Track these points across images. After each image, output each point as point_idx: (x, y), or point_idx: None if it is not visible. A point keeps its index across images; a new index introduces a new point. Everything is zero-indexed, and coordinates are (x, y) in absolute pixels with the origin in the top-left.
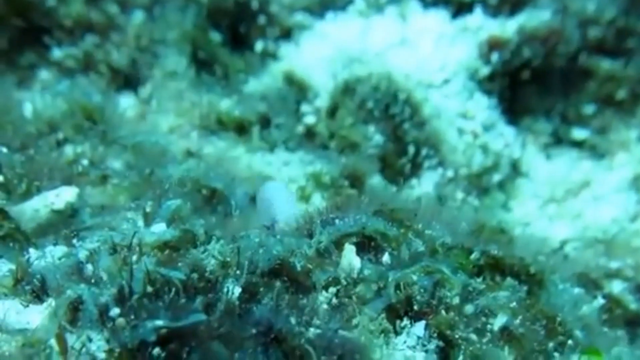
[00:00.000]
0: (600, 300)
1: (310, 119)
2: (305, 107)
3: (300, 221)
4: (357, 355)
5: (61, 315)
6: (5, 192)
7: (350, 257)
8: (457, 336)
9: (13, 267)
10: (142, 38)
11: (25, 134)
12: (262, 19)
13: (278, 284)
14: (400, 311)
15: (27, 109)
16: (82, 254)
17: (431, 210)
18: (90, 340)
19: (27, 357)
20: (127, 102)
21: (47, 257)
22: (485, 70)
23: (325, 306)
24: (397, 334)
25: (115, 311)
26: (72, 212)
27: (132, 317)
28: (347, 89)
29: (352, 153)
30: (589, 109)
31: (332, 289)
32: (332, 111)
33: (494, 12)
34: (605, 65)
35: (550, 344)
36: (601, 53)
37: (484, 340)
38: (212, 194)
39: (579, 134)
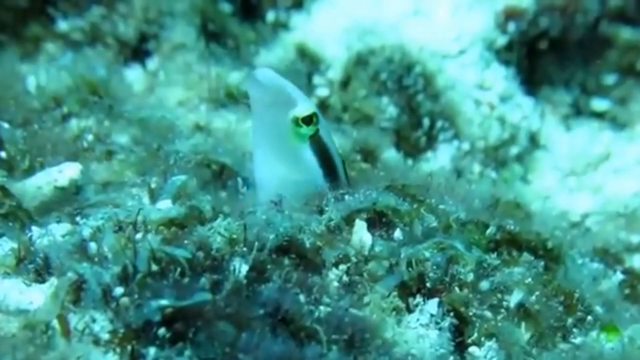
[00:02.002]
0: (620, 276)
1: (322, 91)
2: (317, 79)
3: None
4: (368, 334)
5: (63, 295)
6: (8, 168)
7: (361, 234)
8: (471, 313)
9: (15, 245)
10: (150, 9)
11: (29, 108)
12: None
13: (286, 261)
14: (412, 289)
15: (31, 83)
16: (86, 232)
17: (445, 185)
18: (93, 320)
19: (28, 339)
20: (134, 75)
21: (50, 235)
22: (502, 41)
23: (335, 284)
24: (409, 312)
25: (119, 290)
26: (76, 189)
27: (137, 296)
28: (360, 61)
29: (365, 126)
30: (609, 79)
31: (343, 267)
32: (345, 83)
33: None
34: (626, 34)
35: (569, 320)
36: (621, 21)
37: (499, 317)
38: (222, 170)
39: (599, 104)
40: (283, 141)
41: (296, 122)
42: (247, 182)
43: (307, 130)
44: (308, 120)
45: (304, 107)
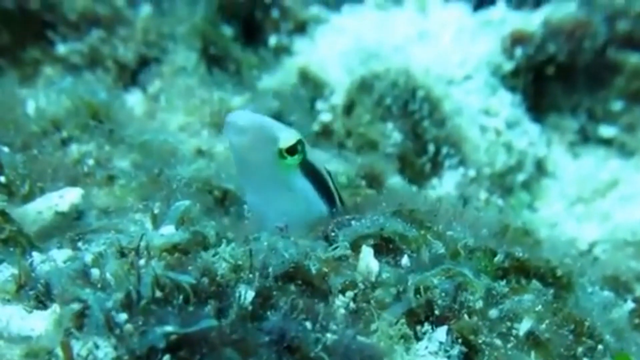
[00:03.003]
0: (631, 304)
1: (325, 117)
2: (320, 104)
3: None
4: None
5: (66, 322)
6: (8, 193)
7: (367, 260)
8: (480, 341)
9: (16, 271)
10: (150, 32)
11: (29, 133)
12: (275, 12)
13: (292, 288)
14: (420, 316)
15: (31, 107)
16: (88, 258)
17: (453, 211)
18: (97, 347)
19: None
20: (134, 99)
21: (51, 261)
22: (508, 66)
23: (342, 311)
24: (418, 339)
25: (122, 317)
26: (77, 214)
27: (140, 322)
28: (364, 85)
29: (369, 152)
30: (616, 106)
31: (349, 293)
32: (349, 108)
33: (518, 4)
34: (634, 59)
35: (579, 349)
36: (630, 47)
37: (509, 345)
38: (224, 195)
39: (606, 131)
40: (274, 176)
41: (281, 154)
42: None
43: (293, 160)
44: (293, 149)
45: (287, 137)
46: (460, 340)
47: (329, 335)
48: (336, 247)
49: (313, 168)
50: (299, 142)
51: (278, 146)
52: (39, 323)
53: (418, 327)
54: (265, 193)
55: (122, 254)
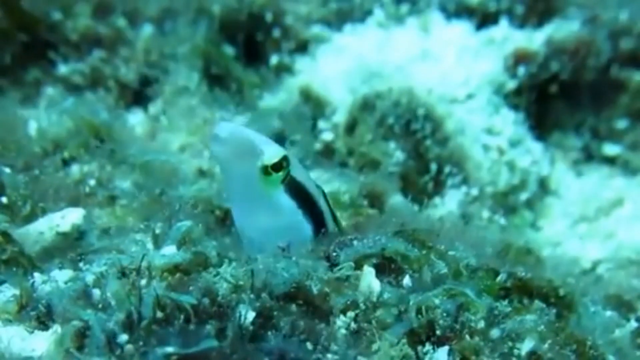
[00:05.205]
0: (634, 324)
1: (327, 136)
2: (322, 124)
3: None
4: None
5: (68, 343)
6: (9, 214)
7: (369, 280)
8: None
9: (17, 292)
10: (152, 52)
11: (30, 153)
12: (277, 32)
13: (294, 308)
14: (422, 336)
15: (32, 127)
16: (89, 278)
17: (455, 231)
18: None
19: None
20: (136, 119)
21: (53, 281)
22: (511, 84)
23: (343, 331)
24: (419, 359)
25: (123, 337)
26: (78, 234)
27: (141, 343)
28: (366, 105)
29: (371, 171)
30: (621, 124)
31: (351, 313)
32: (351, 127)
33: (521, 23)
34: (638, 77)
35: None
36: (634, 65)
37: None
38: (225, 215)
39: (610, 149)
40: (256, 191)
41: (265, 170)
42: None
43: (277, 177)
44: (278, 165)
45: (271, 153)
46: None
47: (329, 355)
48: (341, 269)
49: (298, 185)
50: (284, 158)
51: (262, 162)
52: (40, 343)
53: (419, 348)
54: (247, 207)
55: (123, 274)
